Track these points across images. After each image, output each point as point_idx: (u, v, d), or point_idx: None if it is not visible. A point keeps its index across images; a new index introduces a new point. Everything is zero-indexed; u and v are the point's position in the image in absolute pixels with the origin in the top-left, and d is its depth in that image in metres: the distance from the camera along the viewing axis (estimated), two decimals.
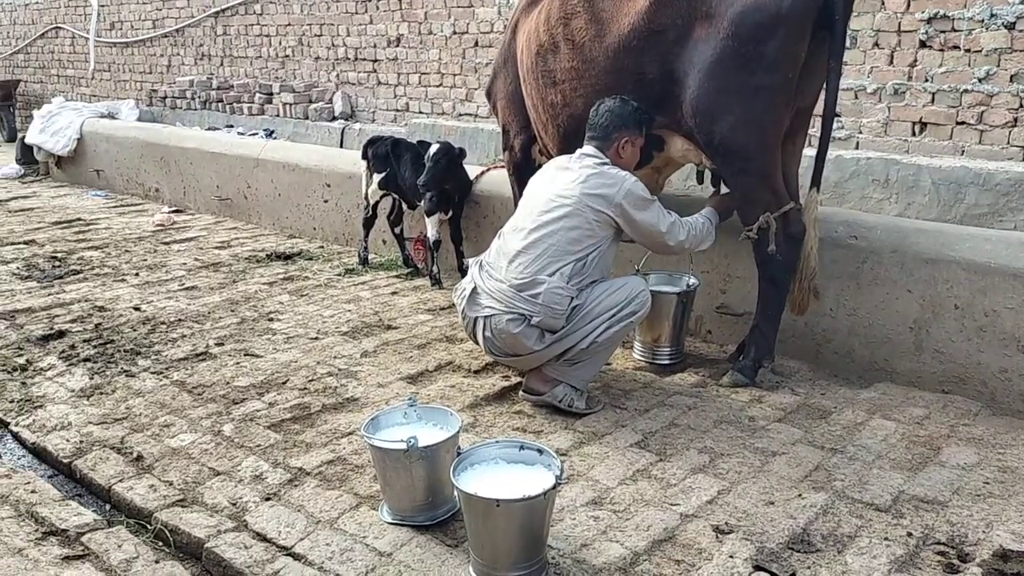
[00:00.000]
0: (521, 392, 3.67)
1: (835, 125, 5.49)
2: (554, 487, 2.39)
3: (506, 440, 2.65)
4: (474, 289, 3.57)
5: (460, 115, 7.96)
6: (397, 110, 8.52)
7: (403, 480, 2.70)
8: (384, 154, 5.59)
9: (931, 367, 3.80)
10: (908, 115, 5.25)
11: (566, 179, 3.53)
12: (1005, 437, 3.36)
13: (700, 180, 4.23)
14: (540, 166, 4.14)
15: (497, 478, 2.51)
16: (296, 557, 2.61)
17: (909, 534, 2.69)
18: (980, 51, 4.96)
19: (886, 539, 2.66)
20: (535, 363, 3.55)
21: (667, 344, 4.14)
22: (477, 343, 3.66)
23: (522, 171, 4.54)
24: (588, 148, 3.61)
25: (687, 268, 4.13)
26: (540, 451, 2.57)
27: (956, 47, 5.04)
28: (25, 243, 6.64)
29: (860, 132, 5.41)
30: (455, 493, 2.81)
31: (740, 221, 3.78)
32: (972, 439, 3.35)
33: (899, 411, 3.61)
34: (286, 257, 6.21)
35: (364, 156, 5.75)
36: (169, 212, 7.75)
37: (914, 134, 5.23)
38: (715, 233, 3.76)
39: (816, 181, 3.76)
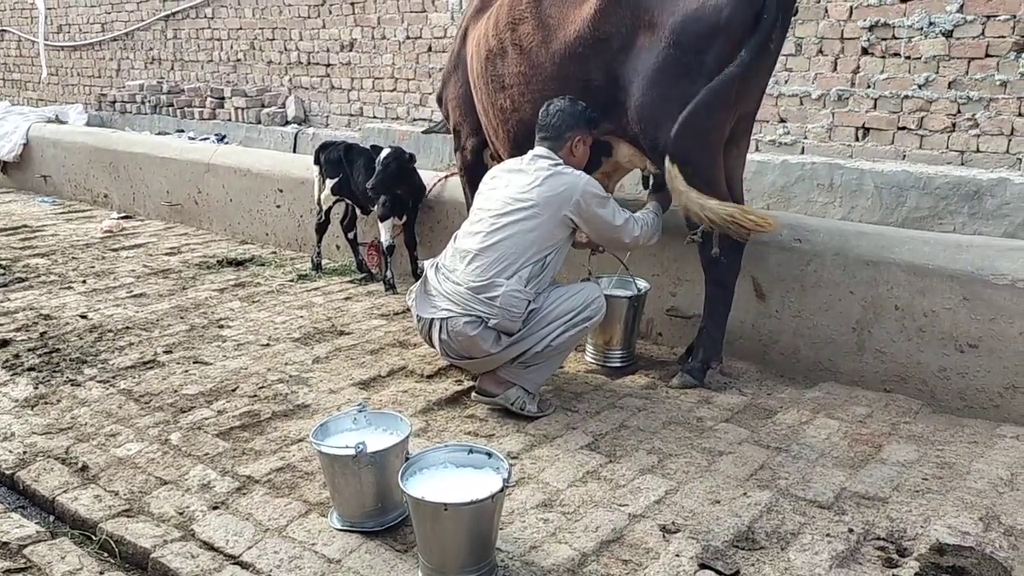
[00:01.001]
0: (474, 394, 3.69)
1: (781, 130, 5.62)
2: (502, 490, 2.41)
3: (455, 444, 2.66)
4: (429, 291, 3.58)
5: (414, 120, 7.95)
6: (351, 115, 8.48)
7: (352, 486, 2.70)
8: (337, 159, 5.57)
9: (873, 367, 3.89)
10: (852, 120, 5.37)
11: (521, 182, 3.56)
12: (944, 434, 3.46)
13: (646, 185, 4.29)
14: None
15: (446, 482, 2.52)
16: (244, 566, 2.59)
17: (850, 530, 2.76)
18: (920, 58, 5.10)
19: (828, 535, 2.72)
20: (490, 366, 3.56)
21: (619, 347, 4.19)
22: (432, 345, 3.66)
23: (474, 174, 4.56)
24: (540, 149, 3.64)
25: (630, 274, 4.18)
26: (489, 455, 2.59)
27: (897, 54, 5.17)
28: None
29: (806, 137, 5.52)
30: (404, 498, 2.83)
31: (685, 225, 3.84)
32: (912, 436, 3.44)
33: (842, 410, 3.69)
34: (238, 263, 6.15)
35: (316, 161, 5.72)
36: (118, 218, 7.63)
37: (857, 139, 5.35)
38: (661, 226, 3.85)
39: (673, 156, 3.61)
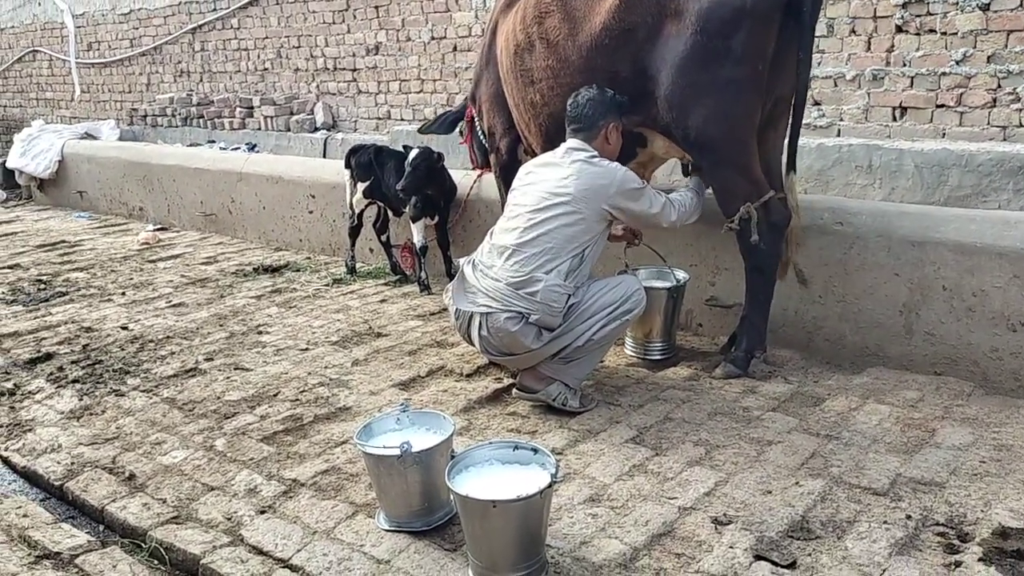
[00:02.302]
0: (515, 390, 3.66)
1: (816, 113, 5.52)
2: (550, 485, 2.38)
3: (500, 441, 2.63)
4: (467, 287, 3.55)
5: None
6: (379, 118, 8.49)
7: (398, 486, 2.68)
8: (367, 162, 5.57)
9: (922, 349, 3.80)
10: (888, 100, 5.25)
11: (557, 176, 3.52)
12: (999, 416, 3.37)
13: (686, 172, 4.23)
14: None
15: (492, 479, 2.49)
16: (293, 569, 2.59)
17: (908, 517, 2.69)
18: (956, 33, 4.97)
19: (885, 523, 2.65)
20: (531, 362, 3.53)
21: (659, 339, 4.14)
22: (471, 342, 3.63)
23: (509, 172, 4.53)
24: (573, 141, 3.60)
25: (668, 265, 4.12)
26: (535, 450, 2.55)
27: (932, 30, 5.05)
28: (9, 267, 6.59)
29: (841, 119, 5.41)
30: (451, 497, 2.80)
31: (722, 213, 3.78)
32: (966, 419, 3.35)
33: (892, 395, 3.61)
34: (273, 270, 6.18)
35: (347, 165, 5.73)
36: (154, 230, 7.71)
37: (895, 119, 5.23)
38: (702, 203, 3.82)
39: (791, 165, 3.81)
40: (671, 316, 4.11)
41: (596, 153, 3.54)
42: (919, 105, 5.13)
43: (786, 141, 3.79)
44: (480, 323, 3.49)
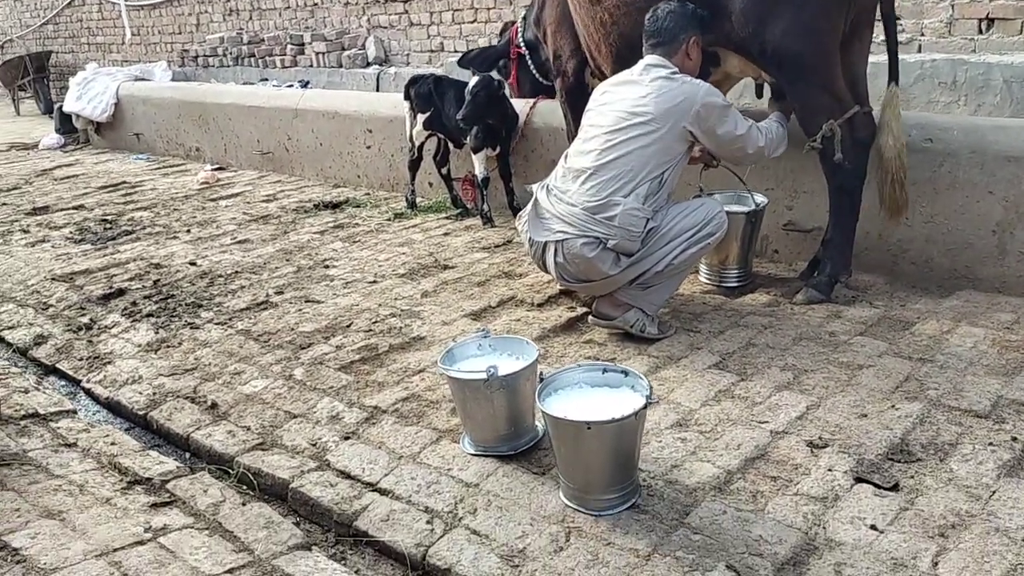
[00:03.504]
0: (591, 317, 3.58)
1: (896, 28, 5.26)
2: (645, 407, 2.32)
3: (588, 364, 2.57)
4: (541, 214, 3.46)
5: None
6: (431, 51, 8.34)
7: (484, 411, 2.64)
8: (427, 93, 5.46)
9: (1016, 271, 3.63)
10: (974, 12, 4.97)
11: (635, 94, 3.38)
12: None
13: (760, 94, 4.06)
14: (592, 89, 3.99)
15: (582, 402, 2.43)
16: (383, 492, 2.58)
17: (1014, 438, 2.58)
18: None
19: (991, 444, 2.55)
20: (608, 288, 3.45)
21: (735, 266, 4.02)
22: (546, 270, 3.55)
23: (575, 96, 4.40)
24: (652, 58, 3.44)
25: (747, 189, 3.97)
26: (625, 373, 2.49)
27: None
28: (74, 208, 6.66)
29: (922, 34, 5.15)
30: (536, 422, 2.77)
31: (804, 132, 3.62)
32: None
33: (985, 317, 3.46)
34: (333, 206, 6.15)
35: (406, 97, 5.62)
36: (212, 170, 7.72)
37: (980, 31, 4.95)
38: (787, 135, 3.63)
39: (894, 75, 3.61)
40: (748, 242, 3.98)
41: (676, 69, 3.39)
42: (1008, 16, 4.85)
43: (886, 50, 3.56)
44: (556, 250, 3.41)
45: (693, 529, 2.27)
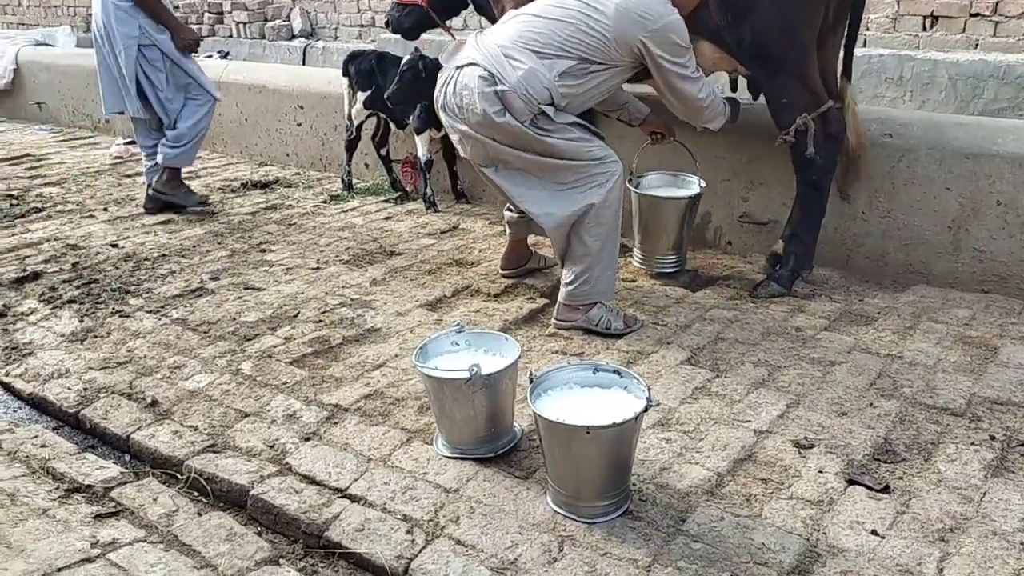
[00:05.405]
0: (554, 322, 3.41)
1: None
2: (645, 410, 2.21)
3: (579, 363, 2.45)
4: (460, 48, 3.25)
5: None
6: (362, 25, 8.03)
7: (464, 411, 2.49)
8: (368, 70, 5.20)
9: (970, 267, 3.69)
10: (918, 8, 5.05)
11: None
12: None
13: (734, 88, 3.99)
14: None
15: (573, 403, 2.31)
16: (354, 499, 2.40)
17: (992, 437, 2.59)
18: None
19: (972, 444, 2.55)
20: (486, 154, 3.21)
21: (671, 251, 3.93)
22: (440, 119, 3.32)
23: None
24: None
25: (696, 168, 3.87)
26: (618, 372, 2.38)
27: None
28: None
29: (867, 29, 5.20)
30: (515, 423, 2.64)
31: (776, 125, 3.57)
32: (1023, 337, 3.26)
33: (943, 313, 3.50)
34: (263, 185, 5.84)
35: (345, 73, 5.35)
36: (125, 143, 7.23)
37: (925, 28, 5.04)
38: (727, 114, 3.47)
39: (847, 71, 3.64)
40: (686, 227, 3.89)
41: None
42: (952, 14, 4.94)
43: (843, 44, 3.57)
44: (454, 82, 3.17)
45: (692, 537, 2.18)
